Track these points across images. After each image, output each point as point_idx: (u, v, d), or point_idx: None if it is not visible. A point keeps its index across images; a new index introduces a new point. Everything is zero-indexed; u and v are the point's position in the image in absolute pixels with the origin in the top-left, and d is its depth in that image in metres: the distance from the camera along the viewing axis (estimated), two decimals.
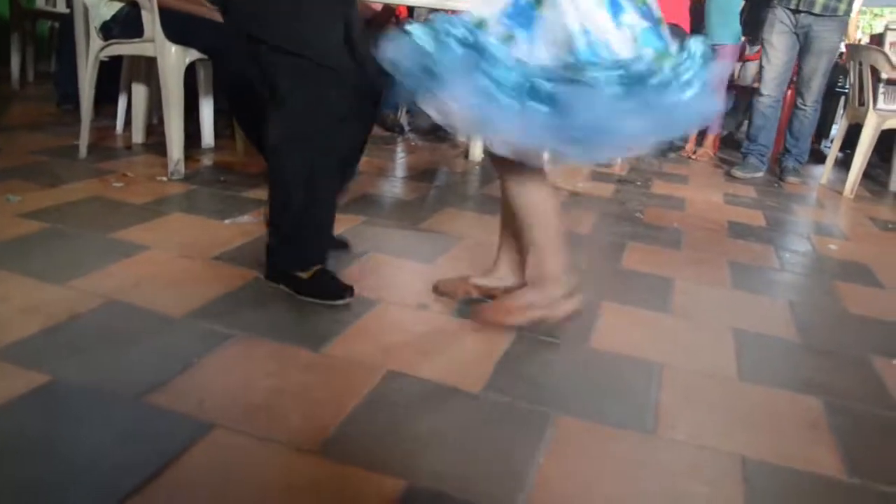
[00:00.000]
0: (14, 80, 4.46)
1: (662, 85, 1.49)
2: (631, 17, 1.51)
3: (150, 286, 1.84)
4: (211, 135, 3.40)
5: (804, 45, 4.06)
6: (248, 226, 2.38)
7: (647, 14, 1.54)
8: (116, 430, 1.25)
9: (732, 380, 1.72)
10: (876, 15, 11.11)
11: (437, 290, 1.99)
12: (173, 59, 2.77)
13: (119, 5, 2.85)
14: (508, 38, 1.51)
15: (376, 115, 2.13)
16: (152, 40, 2.77)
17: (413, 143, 4.17)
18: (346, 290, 1.87)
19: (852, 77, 4.30)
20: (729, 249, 2.80)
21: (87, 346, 1.52)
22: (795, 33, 4.06)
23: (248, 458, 1.22)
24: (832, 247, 3.01)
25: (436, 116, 1.59)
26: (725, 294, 2.32)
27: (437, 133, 4.44)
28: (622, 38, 1.49)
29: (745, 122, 5.44)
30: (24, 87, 4.47)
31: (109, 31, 2.90)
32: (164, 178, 2.80)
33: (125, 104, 3.44)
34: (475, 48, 1.50)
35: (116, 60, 3.32)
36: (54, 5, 4.70)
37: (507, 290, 1.93)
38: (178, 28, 2.77)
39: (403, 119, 4.63)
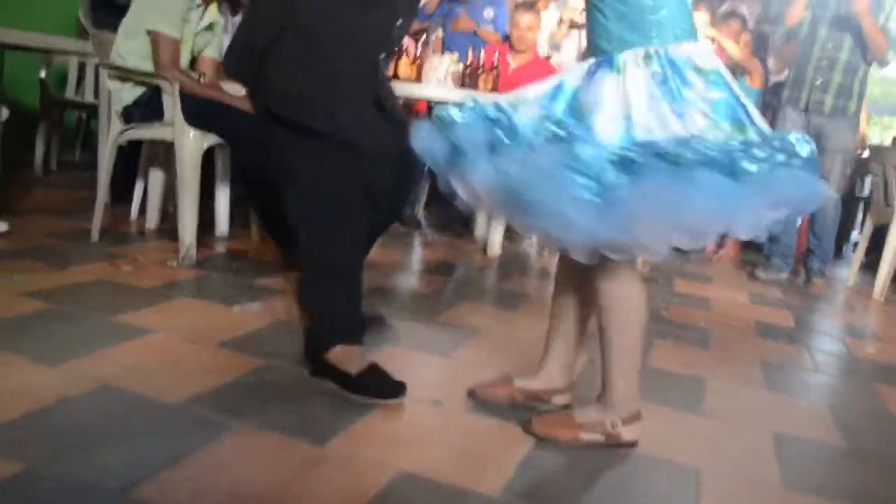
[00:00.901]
0: (37, 167, 4.49)
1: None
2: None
3: (148, 371, 1.73)
4: (226, 222, 3.35)
5: (818, 145, 4.01)
6: (257, 314, 2.28)
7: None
8: None
9: (776, 487, 1.56)
10: (885, 127, 11.18)
11: (476, 395, 1.79)
12: (191, 143, 2.75)
13: (142, 90, 2.86)
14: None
15: (414, 169, 2.02)
16: (172, 124, 2.77)
17: (430, 239, 4.11)
18: (400, 388, 1.74)
19: (877, 178, 4.24)
20: (759, 349, 2.66)
21: (72, 432, 1.40)
22: (808, 133, 4.03)
23: None
24: (869, 349, 2.86)
25: (468, 197, 1.52)
26: (760, 396, 2.17)
27: (454, 228, 4.39)
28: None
29: None
30: (47, 175, 4.50)
31: (131, 115, 2.90)
32: (175, 264, 2.73)
33: (141, 190, 3.41)
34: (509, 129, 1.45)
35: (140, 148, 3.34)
36: (83, 96, 4.78)
37: (557, 393, 1.80)
38: (198, 112, 2.76)
39: (421, 214, 4.59)
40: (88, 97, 4.72)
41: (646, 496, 1.46)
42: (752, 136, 1.42)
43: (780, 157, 1.38)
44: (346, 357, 1.75)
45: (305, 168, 1.76)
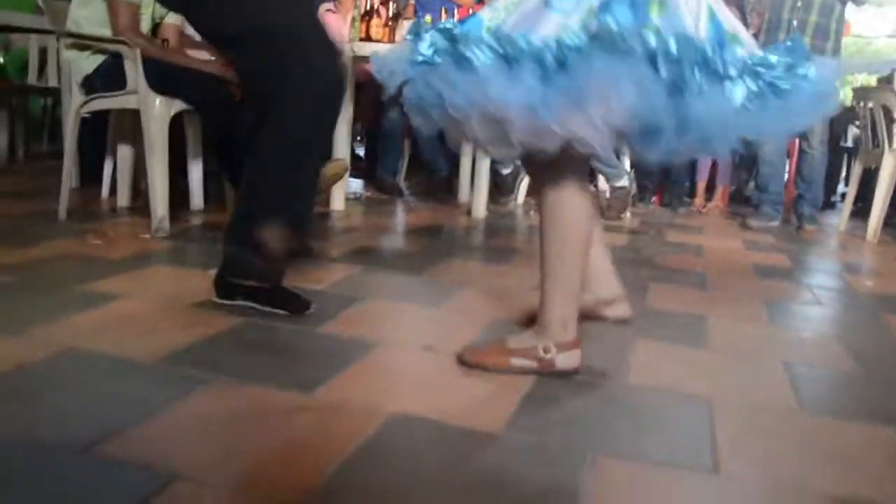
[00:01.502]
0: (1, 157, 4.32)
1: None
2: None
3: (115, 333, 1.61)
4: (200, 196, 3.22)
5: None
6: None
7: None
8: (53, 489, 1.00)
9: (794, 411, 1.47)
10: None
11: (465, 361, 1.57)
12: (157, 110, 2.62)
13: (102, 58, 2.72)
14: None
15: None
16: (135, 92, 2.63)
17: (413, 205, 4.00)
18: (305, 302, 1.82)
19: (864, 120, 4.17)
20: (758, 288, 2.57)
21: (28, 396, 1.28)
22: None
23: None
24: (868, 283, 2.79)
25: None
26: (765, 329, 2.08)
27: (437, 195, 4.28)
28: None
29: (752, 178, 5.30)
30: (12, 165, 4.33)
31: (93, 85, 2.76)
32: (147, 236, 2.61)
33: (111, 168, 3.27)
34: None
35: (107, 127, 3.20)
36: (46, 82, 4.59)
37: (609, 304, 1.73)
38: (162, 77, 2.63)
39: (402, 182, 4.49)
40: (52, 82, 4.54)
41: (659, 425, 1.36)
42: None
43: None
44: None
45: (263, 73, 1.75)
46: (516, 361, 1.52)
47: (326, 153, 2.59)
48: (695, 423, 1.38)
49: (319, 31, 1.77)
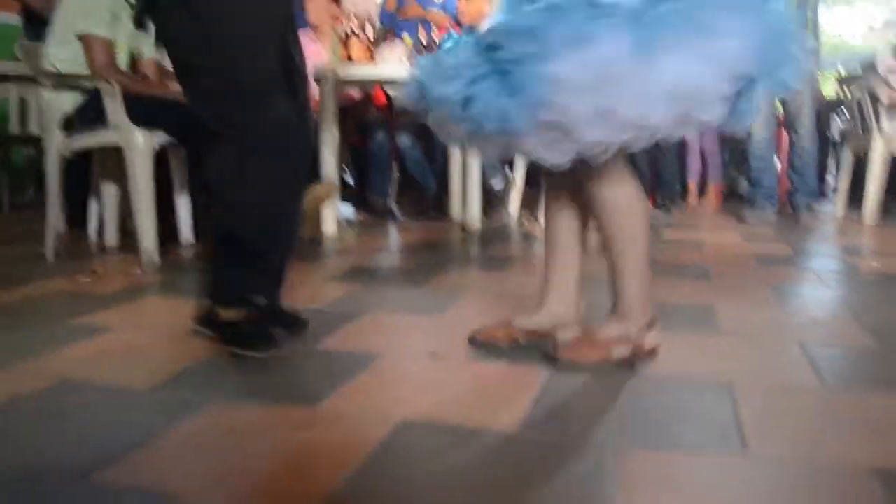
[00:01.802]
0: None
1: None
2: None
3: (109, 363, 1.55)
4: (190, 230, 3.17)
5: None
6: None
7: None
8: None
9: (817, 389, 1.42)
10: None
11: (476, 341, 1.66)
12: (139, 144, 2.58)
13: (81, 97, 2.68)
14: None
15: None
16: (117, 128, 2.59)
17: (405, 225, 3.96)
18: (274, 344, 1.61)
19: (852, 107, 4.16)
20: (763, 276, 2.53)
21: (25, 428, 1.23)
22: None
23: None
24: (874, 264, 2.75)
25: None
26: (776, 313, 2.04)
27: (429, 213, 4.24)
28: None
29: (744, 175, 5.29)
30: None
31: (73, 125, 2.72)
32: (138, 272, 2.55)
33: (97, 208, 3.22)
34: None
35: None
36: (28, 130, 4.54)
37: (563, 328, 1.64)
38: (143, 111, 2.59)
39: (393, 204, 4.44)
40: (34, 130, 4.49)
41: (681, 412, 1.31)
42: None
43: None
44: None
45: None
46: (616, 351, 1.52)
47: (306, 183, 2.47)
48: (718, 407, 1.32)
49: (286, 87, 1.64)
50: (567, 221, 1.63)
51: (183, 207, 3.17)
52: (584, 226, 1.63)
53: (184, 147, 2.84)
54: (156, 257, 2.61)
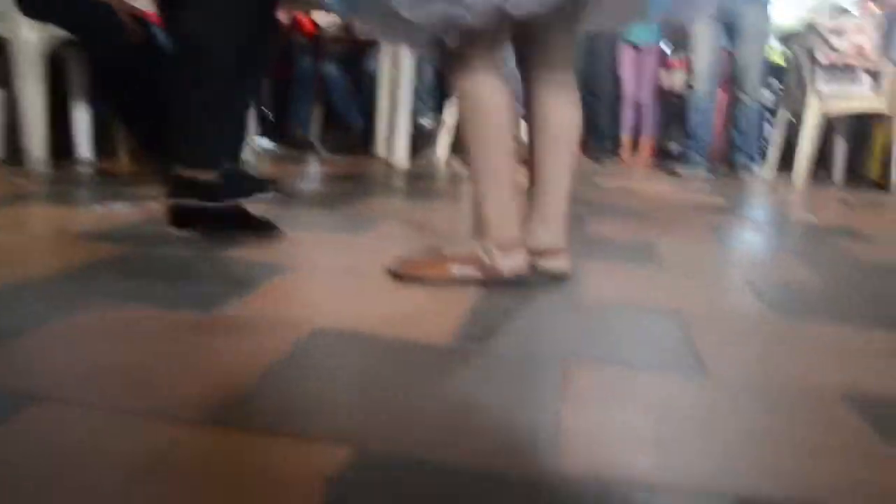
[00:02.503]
0: None
1: None
2: None
3: None
4: (88, 145, 2.86)
5: (733, 32, 3.86)
6: (128, 213, 1.86)
7: None
8: None
9: (766, 317, 1.32)
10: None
11: (400, 274, 1.38)
12: (30, 39, 2.28)
13: None
14: None
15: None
16: (2, 17, 2.28)
17: (327, 158, 3.73)
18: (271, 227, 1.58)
19: (790, 65, 4.14)
20: (701, 220, 2.45)
21: None
22: (721, 22, 3.86)
23: (91, 433, 0.72)
24: (811, 216, 2.71)
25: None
26: (717, 250, 1.95)
27: (352, 150, 4.01)
28: None
29: (673, 132, 5.25)
30: None
31: None
32: (24, 180, 2.26)
33: None
34: None
35: None
36: None
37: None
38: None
39: (313, 136, 4.20)
40: None
41: (631, 334, 1.18)
42: None
43: None
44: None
45: None
46: (457, 269, 1.33)
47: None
48: (669, 331, 1.20)
49: None
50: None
51: (81, 119, 2.85)
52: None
53: (86, 45, 2.51)
54: (43, 167, 2.32)
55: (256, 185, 1.58)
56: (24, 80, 2.29)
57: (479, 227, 1.34)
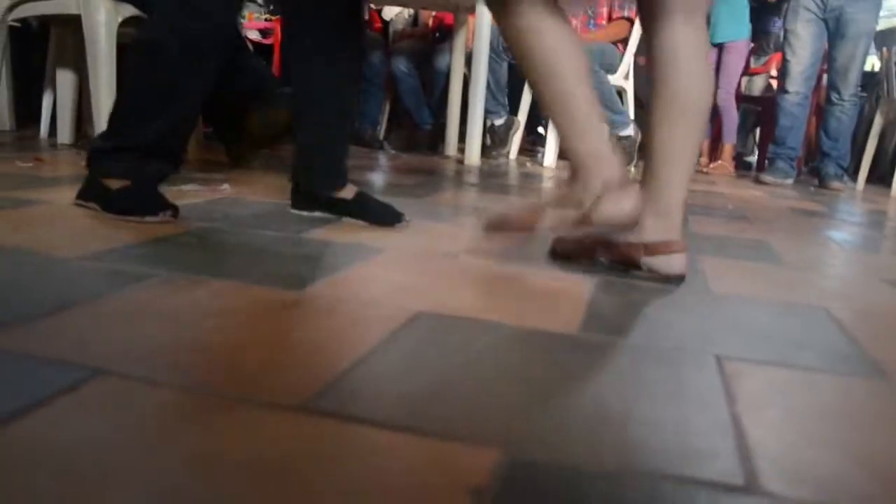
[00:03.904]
0: None
1: None
2: None
3: (32, 231, 1.21)
4: None
5: (835, 31, 3.59)
6: (197, 192, 1.75)
7: None
8: None
9: None
10: None
11: (492, 225, 1.29)
12: (102, 15, 2.20)
13: None
14: None
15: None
16: None
17: (397, 157, 3.61)
18: (169, 208, 1.34)
19: (886, 66, 3.86)
20: (805, 223, 2.24)
21: None
22: (824, 19, 3.60)
23: (172, 415, 0.58)
24: None
25: None
26: (838, 251, 1.75)
27: (421, 150, 3.89)
28: None
29: (755, 141, 5.01)
30: None
31: None
32: None
33: (51, 103, 2.83)
34: None
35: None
36: None
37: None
38: None
39: (381, 136, 4.09)
40: None
41: (780, 332, 1.00)
42: None
43: None
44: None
45: None
46: (551, 215, 1.18)
47: None
48: (823, 329, 1.02)
49: None
50: None
51: None
52: None
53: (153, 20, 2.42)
54: None
55: (156, 205, 1.36)
56: (95, 62, 2.20)
57: (570, 167, 1.19)
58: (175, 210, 1.35)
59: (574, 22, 3.50)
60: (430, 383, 0.69)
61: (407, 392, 0.66)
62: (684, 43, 1.18)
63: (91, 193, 1.39)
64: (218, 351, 0.73)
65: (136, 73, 1.40)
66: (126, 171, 1.36)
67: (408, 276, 1.11)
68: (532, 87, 1.21)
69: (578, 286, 1.12)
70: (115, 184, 1.35)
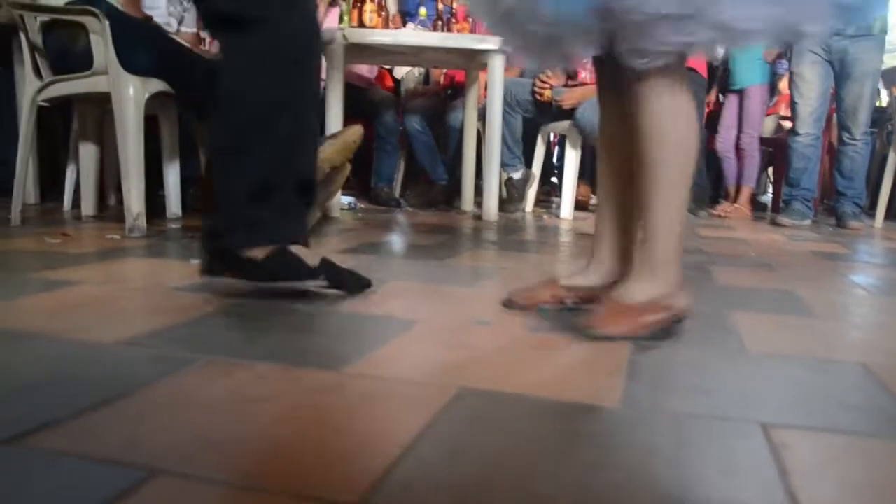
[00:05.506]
0: None
1: None
2: None
3: (75, 316, 1.22)
4: (178, 202, 2.83)
5: (841, 72, 3.64)
6: None
7: None
8: None
9: None
10: None
11: (513, 303, 1.40)
12: (131, 92, 2.26)
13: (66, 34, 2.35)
14: None
15: None
16: (105, 72, 2.27)
17: (414, 215, 3.64)
18: (324, 269, 1.38)
19: (894, 103, 3.89)
20: (828, 267, 2.23)
21: None
22: (829, 61, 3.65)
23: None
24: None
25: None
26: (869, 299, 1.74)
27: (437, 206, 3.92)
28: None
29: (768, 179, 5.02)
30: None
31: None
32: (117, 237, 2.21)
33: (74, 175, 2.89)
34: None
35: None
36: None
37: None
38: (134, 52, 2.27)
39: (397, 192, 4.14)
40: None
41: (819, 393, 0.99)
42: None
43: None
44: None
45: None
46: (653, 318, 1.20)
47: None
48: (863, 386, 1.01)
49: None
50: (620, 172, 1.33)
51: (171, 177, 2.84)
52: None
53: (178, 95, 2.46)
54: (142, 221, 2.27)
55: (310, 269, 1.38)
56: (125, 134, 2.26)
57: (652, 265, 1.22)
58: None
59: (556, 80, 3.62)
60: (480, 468, 0.69)
61: (458, 482, 0.66)
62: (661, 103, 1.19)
63: (228, 265, 1.38)
64: (267, 443, 0.73)
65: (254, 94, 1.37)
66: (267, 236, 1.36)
67: (444, 350, 1.12)
68: (656, 170, 1.19)
69: (614, 353, 1.12)
70: (259, 253, 1.35)
